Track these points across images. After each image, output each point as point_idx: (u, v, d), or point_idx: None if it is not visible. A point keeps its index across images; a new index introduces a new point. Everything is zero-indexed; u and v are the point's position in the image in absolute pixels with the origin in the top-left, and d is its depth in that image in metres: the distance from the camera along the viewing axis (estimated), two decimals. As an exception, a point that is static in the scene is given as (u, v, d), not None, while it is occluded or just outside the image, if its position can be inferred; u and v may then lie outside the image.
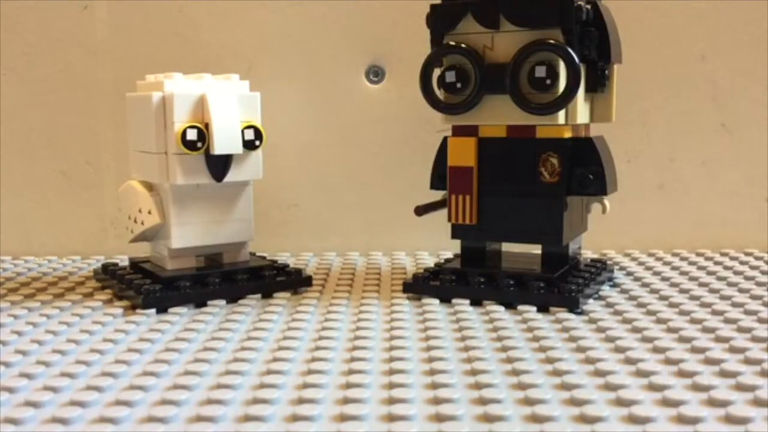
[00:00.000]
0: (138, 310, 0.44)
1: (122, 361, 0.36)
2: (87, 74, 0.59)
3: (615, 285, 0.49)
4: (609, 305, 0.44)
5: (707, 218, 0.60)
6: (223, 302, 0.46)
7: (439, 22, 0.45)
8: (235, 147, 0.46)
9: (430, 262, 0.56)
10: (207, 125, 0.45)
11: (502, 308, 0.44)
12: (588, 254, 0.55)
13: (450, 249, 0.57)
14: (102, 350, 0.37)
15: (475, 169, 0.45)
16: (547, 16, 0.43)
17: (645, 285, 0.49)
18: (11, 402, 0.31)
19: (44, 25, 0.58)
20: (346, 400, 0.31)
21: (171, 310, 0.44)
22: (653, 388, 0.32)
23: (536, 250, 0.48)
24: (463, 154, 0.45)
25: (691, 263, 0.55)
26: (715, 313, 0.42)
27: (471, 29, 0.44)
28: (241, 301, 0.46)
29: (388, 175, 0.60)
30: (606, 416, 0.29)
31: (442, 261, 0.51)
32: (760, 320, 0.41)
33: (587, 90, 0.45)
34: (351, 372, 0.34)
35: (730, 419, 0.29)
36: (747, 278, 0.50)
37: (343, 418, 0.30)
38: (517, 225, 0.45)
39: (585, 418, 0.29)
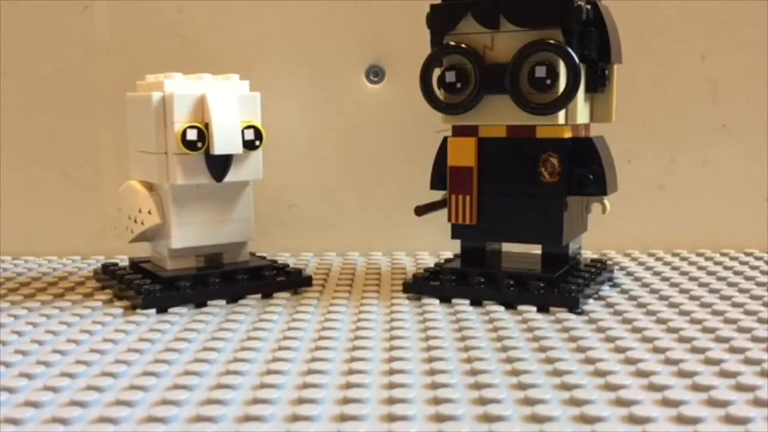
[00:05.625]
0: (138, 310, 0.44)
1: (122, 361, 0.36)
2: (87, 74, 0.59)
3: (615, 285, 0.49)
4: (609, 305, 0.44)
5: (707, 218, 0.60)
6: (223, 302, 0.46)
7: (439, 22, 0.45)
8: (235, 147, 0.46)
9: (430, 262, 0.56)
10: (207, 125, 0.45)
11: (502, 308, 0.44)
12: (588, 254, 0.55)
13: (450, 249, 0.57)
14: (102, 350, 0.37)
15: (475, 169, 0.45)
16: (547, 16, 0.43)
17: (645, 285, 0.49)
18: (11, 402, 0.31)
19: (44, 25, 0.58)
20: (346, 400, 0.31)
21: (171, 310, 0.44)
22: (653, 388, 0.32)
23: (536, 250, 0.48)
24: (463, 154, 0.45)
25: (691, 263, 0.55)
26: (715, 313, 0.42)
27: (471, 29, 0.44)
28: (241, 301, 0.46)
29: (388, 175, 0.60)
30: (606, 416, 0.29)
31: (442, 261, 0.51)
32: (760, 320, 0.41)
33: (587, 90, 0.45)
34: (351, 372, 0.34)
35: (730, 419, 0.29)
36: (747, 278, 0.50)
37: (343, 418, 0.30)
38: (517, 225, 0.45)
39: (585, 418, 0.29)
